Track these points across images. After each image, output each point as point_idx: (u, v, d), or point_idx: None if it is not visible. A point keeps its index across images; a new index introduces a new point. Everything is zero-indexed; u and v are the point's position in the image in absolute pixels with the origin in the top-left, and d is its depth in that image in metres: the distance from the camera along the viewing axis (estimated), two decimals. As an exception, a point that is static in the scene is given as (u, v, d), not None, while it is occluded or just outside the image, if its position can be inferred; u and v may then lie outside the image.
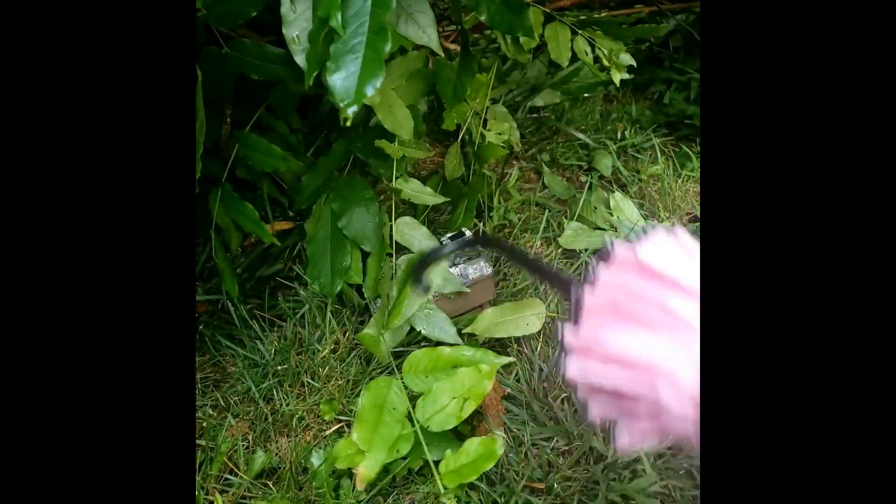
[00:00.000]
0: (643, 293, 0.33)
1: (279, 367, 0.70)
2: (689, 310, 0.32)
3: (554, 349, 0.71)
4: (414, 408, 0.61)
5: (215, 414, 0.66)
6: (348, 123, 0.45)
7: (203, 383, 0.70)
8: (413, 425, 0.59)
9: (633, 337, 0.33)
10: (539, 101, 1.06)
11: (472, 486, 0.58)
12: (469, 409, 0.59)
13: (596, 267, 0.36)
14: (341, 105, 0.44)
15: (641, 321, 0.33)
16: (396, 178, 0.71)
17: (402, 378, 0.63)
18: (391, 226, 0.70)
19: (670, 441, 0.33)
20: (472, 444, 0.58)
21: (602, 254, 0.37)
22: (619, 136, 1.08)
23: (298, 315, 0.74)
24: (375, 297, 0.71)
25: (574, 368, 0.35)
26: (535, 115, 1.09)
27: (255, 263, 0.83)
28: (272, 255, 0.83)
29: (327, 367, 0.69)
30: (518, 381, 0.68)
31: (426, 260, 0.65)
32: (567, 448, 0.62)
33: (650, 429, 0.34)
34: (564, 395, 0.66)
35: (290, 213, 0.83)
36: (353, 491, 0.57)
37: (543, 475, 0.59)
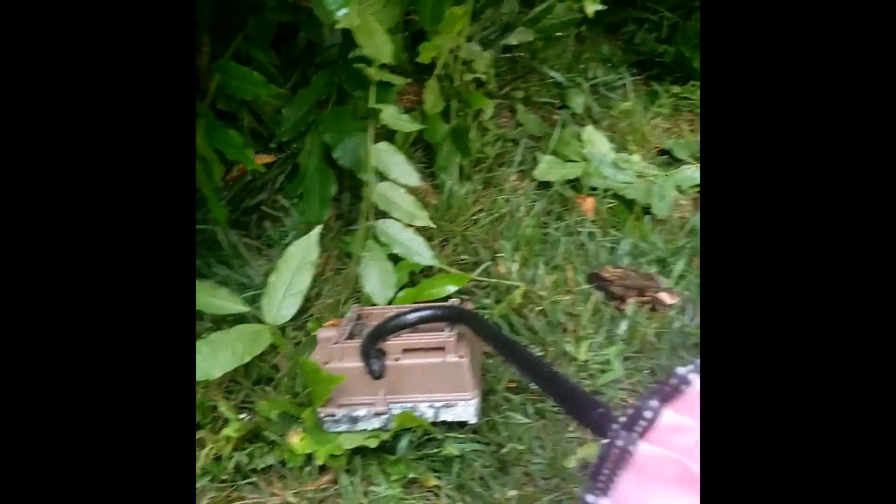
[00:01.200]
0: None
1: (268, 291, 0.73)
2: None
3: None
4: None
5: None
6: (341, 26, 0.47)
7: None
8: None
9: None
10: (513, 39, 1.08)
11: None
12: None
13: (657, 410, 0.27)
14: (331, 8, 0.46)
15: None
16: (376, 104, 0.73)
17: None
18: (369, 151, 0.72)
19: None
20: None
21: (664, 391, 0.28)
22: (591, 74, 1.11)
23: (286, 241, 0.76)
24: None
25: None
26: (508, 55, 1.10)
27: (237, 197, 0.84)
28: (255, 189, 0.84)
29: (315, 288, 0.72)
30: (498, 301, 0.72)
31: (381, 331, 0.58)
32: (541, 354, 0.67)
33: None
34: (539, 308, 0.71)
35: (271, 146, 0.84)
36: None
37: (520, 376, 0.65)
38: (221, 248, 0.76)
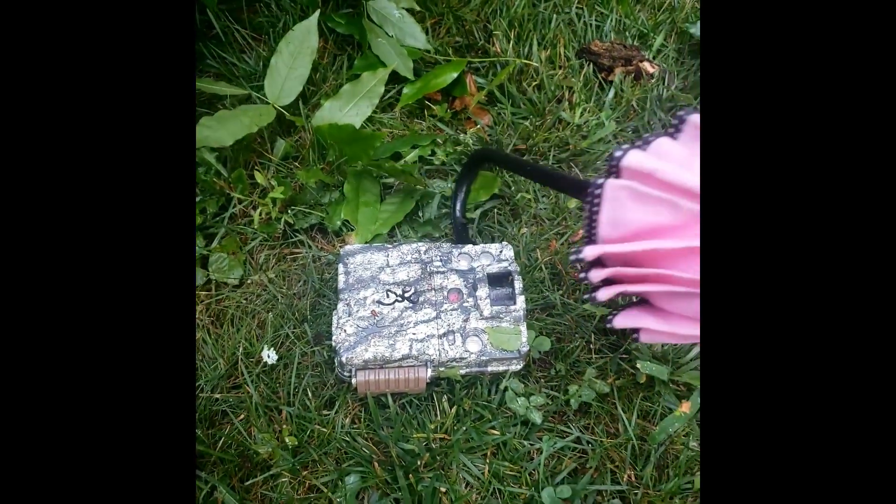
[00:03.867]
0: (651, 194, 0.35)
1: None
2: (696, 207, 0.34)
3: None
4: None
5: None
6: None
7: (200, 98, 0.73)
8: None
9: (645, 216, 0.36)
10: None
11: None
12: None
13: (604, 179, 0.37)
14: None
15: (652, 211, 0.35)
16: None
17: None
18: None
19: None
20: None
21: (610, 166, 0.37)
22: None
23: (279, 27, 0.75)
24: None
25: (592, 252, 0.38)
26: None
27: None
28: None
29: (318, 73, 0.74)
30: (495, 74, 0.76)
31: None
32: (540, 123, 0.74)
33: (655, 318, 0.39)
34: (535, 82, 0.76)
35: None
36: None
37: (524, 140, 0.72)
38: (216, 36, 0.74)
